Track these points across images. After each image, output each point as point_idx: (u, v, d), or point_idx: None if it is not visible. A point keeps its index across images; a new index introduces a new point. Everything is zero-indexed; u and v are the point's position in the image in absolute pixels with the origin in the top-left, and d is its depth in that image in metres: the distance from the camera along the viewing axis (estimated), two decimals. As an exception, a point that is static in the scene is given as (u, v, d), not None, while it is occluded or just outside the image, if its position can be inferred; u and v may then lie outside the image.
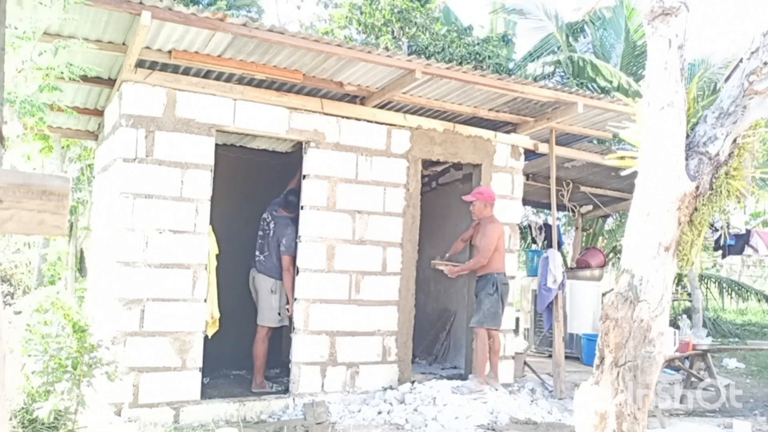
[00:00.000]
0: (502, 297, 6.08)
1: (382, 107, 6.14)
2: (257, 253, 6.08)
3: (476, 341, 6.10)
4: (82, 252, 9.84)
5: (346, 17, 10.98)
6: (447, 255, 6.45)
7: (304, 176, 5.80)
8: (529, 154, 7.22)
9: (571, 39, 12.64)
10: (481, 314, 6.02)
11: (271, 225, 6.06)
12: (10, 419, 3.50)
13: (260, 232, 6.13)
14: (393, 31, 10.55)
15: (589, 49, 12.86)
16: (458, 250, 6.54)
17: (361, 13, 10.82)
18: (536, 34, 13.06)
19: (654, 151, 2.76)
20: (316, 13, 12.56)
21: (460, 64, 9.92)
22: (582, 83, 11.61)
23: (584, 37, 13.07)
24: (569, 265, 10.05)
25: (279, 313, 5.97)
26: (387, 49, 8.79)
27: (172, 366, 5.12)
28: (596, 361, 2.86)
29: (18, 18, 3.63)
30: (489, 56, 10.41)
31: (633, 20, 12.07)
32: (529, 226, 11.11)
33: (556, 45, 12.60)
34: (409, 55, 8.91)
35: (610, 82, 10.96)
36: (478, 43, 10.83)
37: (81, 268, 9.82)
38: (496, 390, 5.97)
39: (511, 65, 12.54)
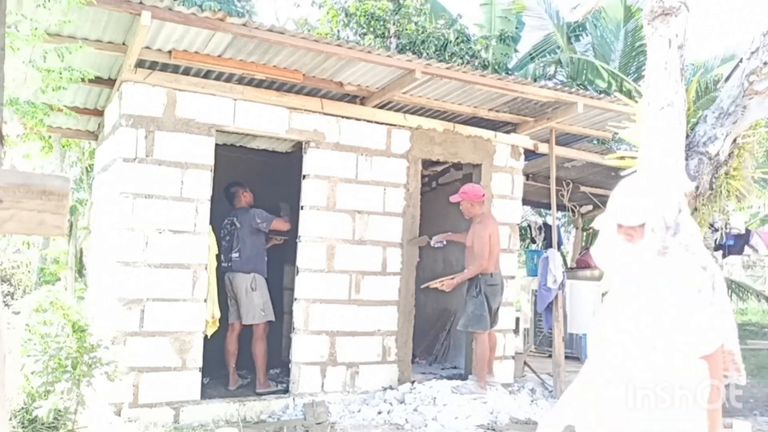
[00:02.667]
0: (487, 299, 5.90)
1: (382, 107, 6.14)
2: (228, 254, 6.01)
3: (475, 344, 6.07)
4: (81, 252, 9.83)
5: (333, 17, 11.05)
6: (449, 234, 6.40)
7: (304, 176, 5.80)
8: (529, 154, 7.22)
9: (572, 39, 12.62)
10: (465, 317, 5.94)
11: (235, 221, 6.05)
12: (10, 419, 3.50)
13: (226, 237, 6.06)
14: (378, 29, 10.56)
15: (589, 50, 12.85)
16: (461, 238, 6.31)
17: (347, 14, 10.86)
18: (537, 33, 13.05)
19: (654, 151, 2.76)
20: (297, 17, 12.54)
21: (462, 63, 9.92)
22: (581, 84, 11.60)
23: (585, 36, 13.04)
24: (569, 265, 10.05)
25: (262, 309, 5.95)
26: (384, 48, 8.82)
27: (172, 366, 5.12)
28: (596, 361, 2.85)
29: (18, 18, 3.63)
30: (482, 51, 10.41)
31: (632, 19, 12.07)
32: (529, 226, 11.12)
33: (556, 45, 12.59)
34: (398, 53, 8.90)
35: (610, 84, 10.94)
36: (466, 39, 10.81)
37: (81, 268, 9.81)
38: (493, 387, 5.97)
39: (511, 64, 12.52)
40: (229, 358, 5.97)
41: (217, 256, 5.53)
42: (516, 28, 12.70)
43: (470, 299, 5.95)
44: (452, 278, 6.03)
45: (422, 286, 6.27)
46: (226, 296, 6.06)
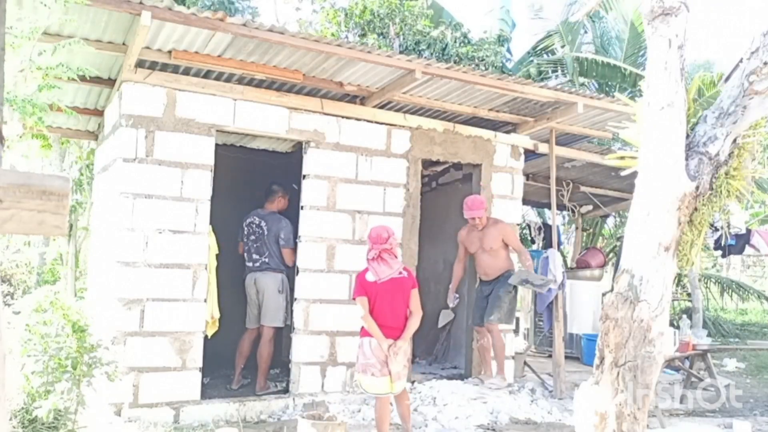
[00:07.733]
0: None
1: (382, 107, 6.14)
2: (255, 256, 6.02)
3: (493, 338, 6.13)
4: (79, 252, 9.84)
5: (332, 19, 11.04)
6: (452, 286, 6.46)
7: (304, 176, 5.80)
8: (529, 154, 7.22)
9: (574, 38, 12.62)
10: (501, 312, 6.07)
11: (263, 225, 6.02)
12: (10, 419, 3.50)
13: (251, 237, 6.04)
14: (379, 29, 10.54)
15: (590, 49, 12.83)
16: (460, 275, 6.54)
17: (346, 15, 10.85)
18: (537, 33, 13.05)
19: (654, 151, 2.76)
20: (301, 19, 12.45)
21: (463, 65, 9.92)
22: (583, 84, 11.60)
23: (585, 33, 13.02)
24: (569, 265, 10.05)
25: (285, 313, 5.96)
26: (381, 47, 8.81)
27: (172, 366, 5.12)
28: (596, 361, 2.86)
29: (18, 18, 3.63)
30: (485, 56, 10.41)
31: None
32: (529, 226, 11.12)
33: (559, 44, 12.57)
34: (401, 54, 8.92)
35: (623, 75, 10.90)
36: (470, 42, 10.81)
37: (79, 268, 9.81)
38: (493, 386, 6.01)
39: (509, 65, 12.51)
40: (239, 360, 5.98)
41: (218, 256, 5.53)
42: (511, 25, 12.72)
43: (506, 294, 6.10)
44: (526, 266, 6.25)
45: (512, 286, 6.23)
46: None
